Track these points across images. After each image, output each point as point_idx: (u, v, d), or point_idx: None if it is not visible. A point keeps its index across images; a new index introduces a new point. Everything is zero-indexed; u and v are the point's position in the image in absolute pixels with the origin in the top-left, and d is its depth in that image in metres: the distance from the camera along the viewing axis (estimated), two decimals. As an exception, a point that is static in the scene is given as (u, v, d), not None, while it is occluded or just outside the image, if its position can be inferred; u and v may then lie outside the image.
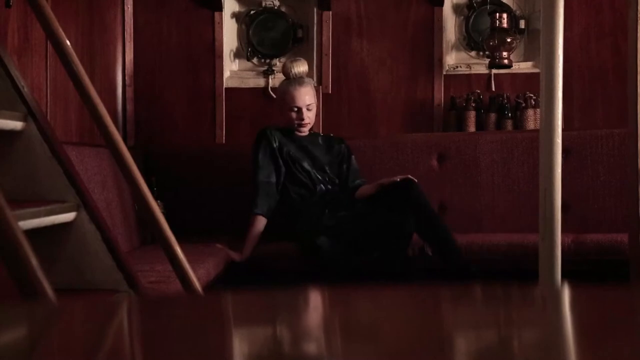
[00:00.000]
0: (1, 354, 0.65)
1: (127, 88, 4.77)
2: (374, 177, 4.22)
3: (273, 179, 4.14)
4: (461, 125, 4.72)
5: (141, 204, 2.51)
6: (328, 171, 4.23)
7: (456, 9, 4.93)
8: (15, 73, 2.53)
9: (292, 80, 4.20)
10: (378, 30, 4.77)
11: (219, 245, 3.96)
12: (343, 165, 4.30)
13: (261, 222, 4.08)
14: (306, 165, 4.19)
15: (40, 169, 2.49)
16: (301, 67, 4.23)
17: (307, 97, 4.20)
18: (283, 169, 4.16)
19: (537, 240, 2.53)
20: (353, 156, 4.33)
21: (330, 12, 4.87)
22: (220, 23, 4.90)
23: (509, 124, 4.69)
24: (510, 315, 0.80)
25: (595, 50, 4.71)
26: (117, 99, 4.70)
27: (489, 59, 4.78)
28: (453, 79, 4.83)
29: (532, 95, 4.64)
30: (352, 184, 4.25)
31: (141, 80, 4.84)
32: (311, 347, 0.68)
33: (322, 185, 4.18)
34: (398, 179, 3.94)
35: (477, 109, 4.74)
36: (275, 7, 4.97)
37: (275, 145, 4.18)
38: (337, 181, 4.24)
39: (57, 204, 2.43)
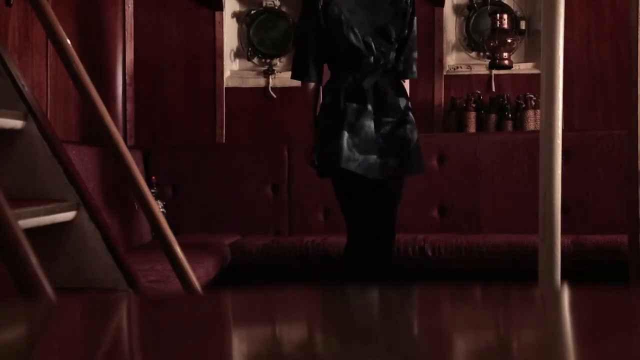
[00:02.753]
0: (1, 353, 0.65)
1: (127, 87, 4.77)
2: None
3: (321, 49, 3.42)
4: (461, 125, 4.72)
5: (141, 203, 2.51)
6: (393, 33, 3.47)
7: (457, 9, 4.93)
8: (16, 72, 2.53)
9: None
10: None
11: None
12: (404, 30, 3.52)
13: (313, 89, 3.44)
14: (357, 32, 3.41)
15: (40, 168, 2.49)
16: None
17: None
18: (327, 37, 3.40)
19: (537, 241, 2.53)
20: (415, 17, 3.59)
21: (331, 12, 4.87)
22: (221, 23, 4.90)
23: (509, 125, 4.69)
24: (509, 316, 0.80)
25: (595, 51, 4.71)
26: (117, 98, 4.70)
27: (490, 60, 4.78)
28: (453, 80, 4.84)
29: (532, 96, 4.64)
30: (406, 64, 3.52)
31: (141, 79, 4.84)
32: (311, 347, 0.68)
33: (373, 59, 3.41)
34: None
35: (477, 110, 4.74)
36: (276, 7, 4.97)
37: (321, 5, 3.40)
38: (394, 51, 3.46)
39: (57, 203, 2.43)
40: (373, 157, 3.30)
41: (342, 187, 3.36)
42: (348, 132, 3.29)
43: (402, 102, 3.42)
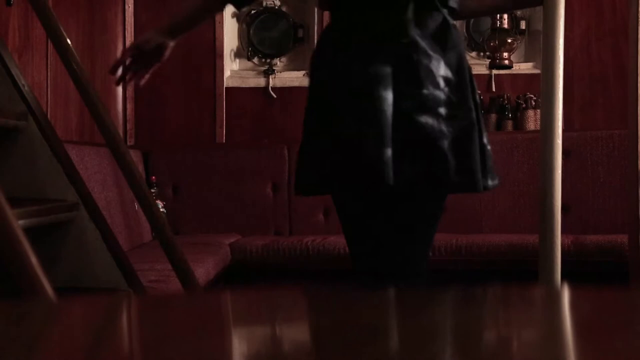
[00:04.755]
0: (0, 353, 0.65)
1: (127, 87, 4.78)
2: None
3: None
4: (461, 125, 4.72)
5: (141, 203, 2.51)
6: None
7: (457, 9, 4.93)
8: (16, 71, 2.53)
9: None
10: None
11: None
12: None
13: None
14: None
15: (40, 168, 2.49)
16: None
17: None
18: None
19: (537, 241, 2.53)
20: None
21: (331, 12, 4.87)
22: (221, 22, 4.90)
23: (509, 125, 4.69)
24: (509, 316, 0.80)
25: (596, 51, 4.71)
26: (117, 98, 4.70)
27: (490, 60, 4.78)
28: (453, 80, 4.83)
29: (532, 96, 4.64)
30: None
31: (141, 79, 4.83)
32: (311, 348, 0.68)
33: None
34: None
35: (477, 110, 4.74)
36: (276, 7, 4.97)
37: None
38: None
39: (57, 203, 2.44)
40: (387, 152, 1.94)
41: (338, 200, 2.13)
42: (354, 109, 1.96)
43: (440, 69, 1.99)
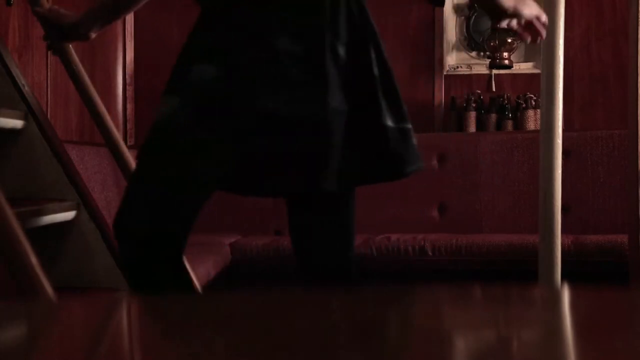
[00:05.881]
0: (1, 353, 0.65)
1: (127, 87, 4.77)
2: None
3: None
4: (461, 125, 4.72)
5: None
6: None
7: (457, 9, 4.93)
8: (16, 71, 2.53)
9: None
10: (378, 31, 4.76)
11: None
12: None
13: None
14: None
15: (40, 168, 2.49)
16: None
17: None
18: None
19: (537, 241, 2.53)
20: None
21: (331, 12, 4.87)
22: (221, 22, 4.90)
23: (509, 125, 4.69)
24: (509, 316, 0.80)
25: (596, 51, 4.71)
26: (117, 98, 4.70)
27: (490, 60, 4.78)
28: (453, 79, 4.83)
29: (532, 95, 4.65)
30: None
31: (141, 79, 4.83)
32: (310, 348, 0.68)
33: None
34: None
35: (477, 110, 4.74)
36: (276, 7, 4.97)
37: None
38: None
39: (57, 203, 2.43)
40: (187, 114, 1.86)
41: None
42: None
43: (279, 41, 1.71)
